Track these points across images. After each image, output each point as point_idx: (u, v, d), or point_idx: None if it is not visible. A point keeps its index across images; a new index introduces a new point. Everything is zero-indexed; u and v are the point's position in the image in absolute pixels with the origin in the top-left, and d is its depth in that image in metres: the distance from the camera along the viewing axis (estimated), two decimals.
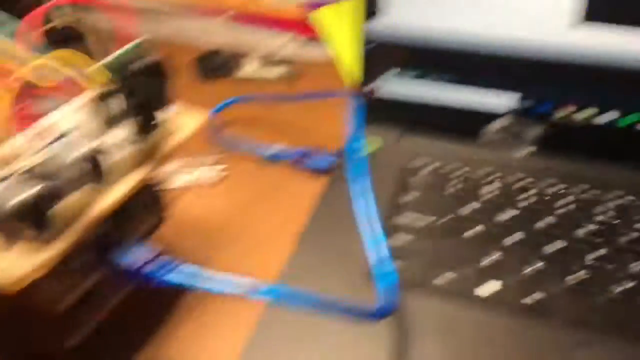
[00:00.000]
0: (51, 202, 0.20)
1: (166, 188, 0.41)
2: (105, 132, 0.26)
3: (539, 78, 0.41)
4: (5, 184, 0.19)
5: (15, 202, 0.18)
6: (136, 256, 0.24)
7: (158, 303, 0.33)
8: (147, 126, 0.26)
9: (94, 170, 0.22)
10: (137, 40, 0.26)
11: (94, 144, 0.22)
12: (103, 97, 0.25)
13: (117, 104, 0.25)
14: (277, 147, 0.45)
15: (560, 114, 0.42)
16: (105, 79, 0.25)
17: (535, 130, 0.42)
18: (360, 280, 0.33)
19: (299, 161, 0.43)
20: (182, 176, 0.42)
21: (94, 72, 0.25)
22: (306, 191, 0.41)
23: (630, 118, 0.40)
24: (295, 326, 0.30)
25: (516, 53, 0.40)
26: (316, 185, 0.42)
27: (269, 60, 0.58)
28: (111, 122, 0.26)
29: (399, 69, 0.44)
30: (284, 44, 0.62)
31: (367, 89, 0.45)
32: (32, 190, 0.19)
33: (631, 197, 0.38)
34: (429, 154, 0.43)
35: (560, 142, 0.42)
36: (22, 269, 0.20)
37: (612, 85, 0.40)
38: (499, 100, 0.42)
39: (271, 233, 0.38)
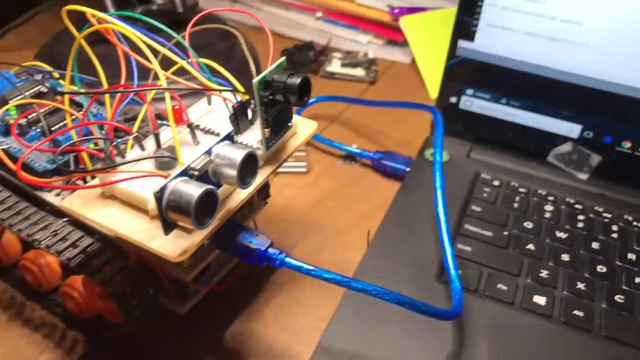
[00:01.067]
0: (216, 200, 0.25)
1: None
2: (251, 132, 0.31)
3: (606, 112, 0.44)
4: (184, 180, 0.25)
5: (196, 200, 0.24)
6: (255, 240, 0.30)
7: (256, 280, 0.39)
8: (276, 134, 0.31)
9: (251, 173, 0.27)
10: (279, 61, 0.31)
11: (248, 149, 0.27)
12: (247, 105, 0.31)
13: (262, 111, 0.31)
14: (356, 147, 0.50)
15: (619, 147, 0.45)
16: (254, 89, 0.30)
17: (595, 159, 0.46)
18: (427, 281, 0.38)
19: (377, 162, 0.48)
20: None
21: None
22: (381, 191, 0.47)
23: None
24: (372, 309, 0.35)
25: (588, 86, 0.44)
26: (391, 186, 0.47)
27: (354, 59, 0.63)
28: (248, 128, 0.31)
29: (478, 87, 0.48)
30: (366, 43, 0.66)
31: (444, 101, 0.49)
32: (203, 188, 0.24)
33: None
34: (497, 169, 0.47)
35: (616, 172, 0.45)
36: (185, 245, 0.26)
37: None
38: (567, 127, 0.46)
39: (348, 228, 0.43)
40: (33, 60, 0.53)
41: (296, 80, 0.29)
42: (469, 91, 0.48)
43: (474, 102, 0.49)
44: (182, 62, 0.29)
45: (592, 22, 0.42)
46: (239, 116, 0.31)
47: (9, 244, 0.36)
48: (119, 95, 0.30)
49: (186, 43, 0.30)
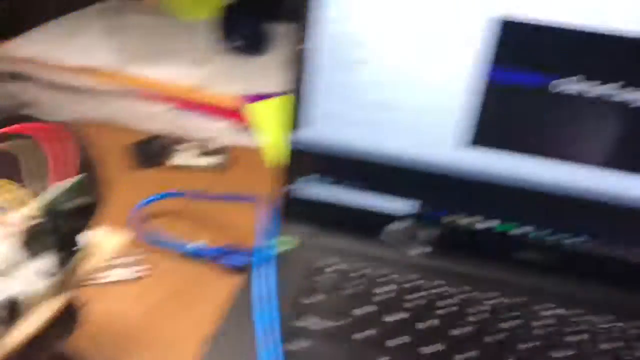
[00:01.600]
0: None
1: (85, 286, 0.44)
2: (26, 264, 0.29)
3: (433, 188, 0.46)
4: None
5: None
6: None
7: None
8: (68, 258, 0.29)
9: (10, 316, 0.25)
10: (73, 180, 0.29)
11: (14, 288, 0.25)
12: (30, 232, 0.29)
13: (42, 238, 0.28)
14: (197, 244, 0.48)
15: (449, 220, 0.47)
16: (37, 214, 0.28)
17: (429, 233, 0.47)
18: None
19: (218, 258, 0.47)
20: (101, 274, 0.45)
21: (25, 206, 0.28)
22: (222, 289, 0.45)
23: (506, 226, 0.46)
24: None
25: (414, 167, 0.46)
26: (232, 283, 0.45)
27: (204, 148, 0.62)
28: (34, 254, 0.29)
29: (315, 174, 0.48)
30: (220, 131, 0.66)
31: (283, 189, 0.49)
32: None
33: (504, 299, 0.43)
34: (337, 253, 0.47)
35: (450, 245, 0.47)
36: None
37: (491, 198, 0.45)
38: (399, 205, 0.47)
39: (182, 336, 0.41)
40: None
41: (81, 203, 0.28)
42: (307, 178, 0.49)
43: (312, 189, 0.49)
44: None
45: (410, 108, 0.44)
46: (29, 242, 0.29)
47: None
48: None
49: None
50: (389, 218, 0.48)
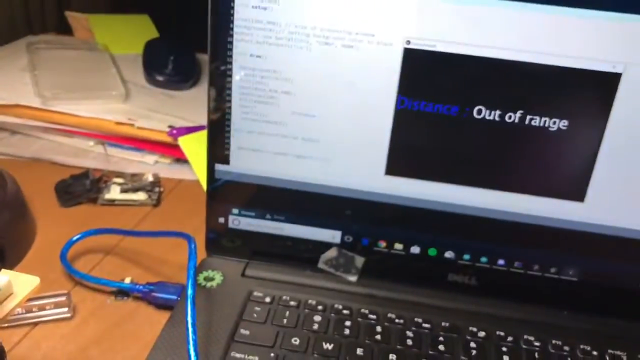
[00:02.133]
0: None
1: (11, 327, 0.42)
2: None
3: (355, 216, 0.47)
4: None
5: None
6: None
7: None
8: None
9: None
10: None
11: None
12: None
13: None
14: (127, 280, 0.48)
15: (376, 246, 0.48)
16: None
17: (359, 261, 0.48)
18: None
19: (147, 295, 0.46)
20: (30, 314, 0.44)
21: None
22: (153, 326, 0.44)
23: (431, 251, 0.48)
24: None
25: (336, 195, 0.47)
26: (162, 319, 0.45)
27: (136, 183, 0.62)
28: None
29: (242, 206, 0.49)
30: (152, 164, 0.66)
31: (213, 221, 0.50)
32: None
33: (429, 324, 0.44)
34: (271, 284, 0.47)
35: (379, 271, 0.48)
36: None
37: (411, 224, 0.47)
38: (328, 234, 0.48)
39: None
40: None
41: None
42: (235, 210, 0.49)
43: (241, 221, 0.49)
44: None
45: (327, 138, 0.45)
46: None
47: None
48: None
49: None
50: (318, 246, 0.49)
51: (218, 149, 0.47)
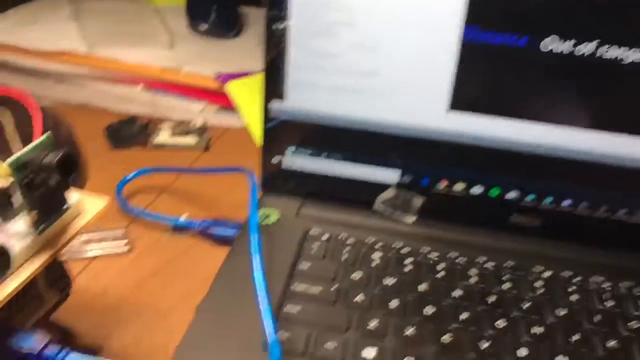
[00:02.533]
0: None
1: (72, 260, 0.43)
2: (5, 224, 0.28)
3: (416, 155, 0.46)
4: None
5: None
6: (31, 342, 0.26)
7: None
8: (48, 217, 0.28)
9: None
10: (40, 138, 0.28)
11: None
12: (3, 193, 0.27)
13: (18, 198, 0.28)
14: (184, 217, 0.47)
15: (437, 187, 0.47)
16: (8, 174, 0.27)
17: (417, 202, 0.47)
18: (254, 352, 0.35)
19: (205, 231, 0.46)
20: (89, 247, 0.44)
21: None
22: (210, 261, 0.44)
23: (493, 191, 0.46)
24: None
25: (396, 133, 0.45)
26: (220, 255, 0.45)
27: (184, 128, 0.61)
28: (12, 215, 0.28)
29: (298, 145, 0.48)
30: (199, 111, 0.66)
31: (267, 161, 0.49)
32: None
33: (493, 263, 0.43)
34: (327, 223, 0.47)
35: (439, 212, 0.47)
36: None
37: (474, 163, 0.45)
38: (386, 174, 0.47)
39: (173, 308, 0.40)
40: None
41: (53, 158, 0.27)
42: (290, 150, 0.48)
43: (296, 160, 0.48)
44: None
45: (389, 74, 0.44)
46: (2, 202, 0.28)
47: None
48: None
49: None
50: (374, 187, 0.48)
51: (274, 86, 0.46)
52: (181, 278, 0.43)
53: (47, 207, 0.28)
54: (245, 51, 0.73)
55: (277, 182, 0.49)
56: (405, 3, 0.42)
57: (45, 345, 0.26)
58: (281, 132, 0.48)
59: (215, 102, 0.66)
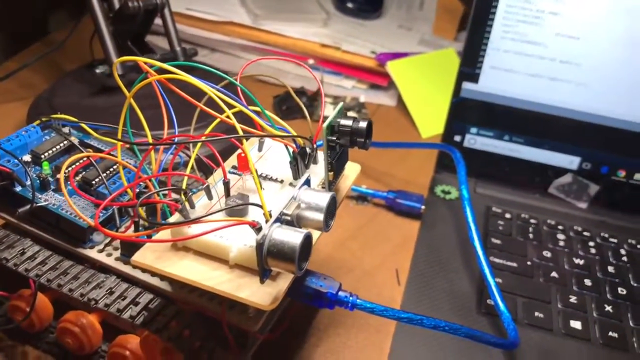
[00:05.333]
0: (310, 243, 0.25)
1: None
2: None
3: (602, 144, 0.48)
4: (278, 227, 0.24)
5: (299, 245, 0.24)
6: (323, 283, 0.30)
7: (299, 326, 0.38)
8: (337, 175, 0.32)
9: (331, 215, 0.28)
10: (339, 106, 0.32)
11: (330, 192, 0.27)
12: (305, 150, 0.31)
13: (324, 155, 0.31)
14: (365, 187, 0.51)
15: (616, 175, 0.49)
16: (323, 134, 0.31)
17: (593, 189, 0.49)
18: (468, 314, 0.39)
19: (391, 201, 0.49)
20: None
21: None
22: (399, 229, 0.47)
23: None
24: (426, 344, 0.36)
25: (582, 121, 0.47)
26: (407, 224, 0.48)
27: (345, 104, 0.64)
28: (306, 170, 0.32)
29: (481, 126, 0.50)
30: (355, 88, 0.68)
31: (449, 139, 0.51)
32: (304, 233, 0.24)
33: None
34: (505, 202, 0.49)
35: (614, 199, 0.49)
36: (273, 293, 0.26)
37: None
38: (566, 160, 0.49)
39: (375, 268, 0.43)
40: (30, 108, 0.51)
41: (363, 124, 0.30)
42: (473, 130, 0.51)
43: (477, 140, 0.51)
44: (249, 112, 0.29)
45: (590, 63, 0.45)
46: (299, 161, 0.31)
47: (42, 308, 0.34)
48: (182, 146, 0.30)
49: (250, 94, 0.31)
50: (553, 171, 0.50)
51: (469, 67, 0.48)
52: (376, 242, 0.46)
53: (338, 167, 0.32)
54: (390, 32, 0.75)
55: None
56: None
57: (339, 289, 0.30)
58: (467, 111, 0.50)
59: (367, 80, 0.69)
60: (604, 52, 0.45)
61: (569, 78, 0.46)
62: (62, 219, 0.32)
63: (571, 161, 0.49)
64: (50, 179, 0.33)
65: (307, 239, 0.25)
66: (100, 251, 0.33)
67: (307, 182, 0.29)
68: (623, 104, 0.46)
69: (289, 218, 0.26)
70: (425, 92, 0.64)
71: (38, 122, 0.37)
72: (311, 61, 0.67)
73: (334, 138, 0.30)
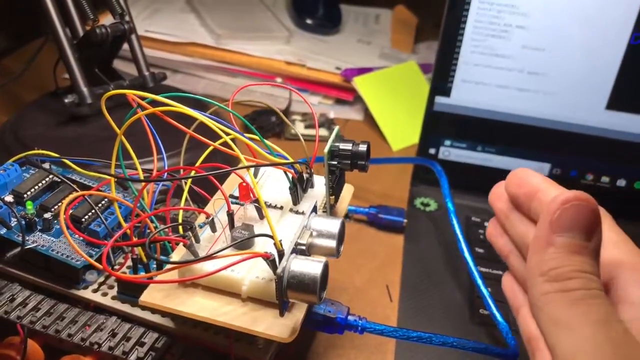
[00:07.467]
0: (327, 272, 0.25)
1: None
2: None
3: (570, 150, 0.50)
4: (295, 257, 0.24)
5: (320, 275, 0.24)
6: (331, 309, 0.30)
7: (297, 352, 0.38)
8: (337, 198, 0.32)
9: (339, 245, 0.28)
10: (335, 130, 0.32)
11: (338, 222, 0.27)
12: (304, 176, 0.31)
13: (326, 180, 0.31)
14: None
15: (584, 179, 0.51)
16: (325, 159, 0.31)
17: None
18: (463, 324, 0.39)
19: (373, 216, 0.49)
20: None
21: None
22: (383, 245, 0.48)
23: (638, 184, 0.50)
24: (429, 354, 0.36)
25: (553, 129, 0.49)
26: (390, 239, 0.48)
27: (310, 120, 0.64)
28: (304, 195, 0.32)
29: (454, 138, 0.52)
30: (321, 104, 0.69)
31: (423, 152, 0.52)
32: (322, 263, 0.24)
33: None
34: (482, 212, 0.50)
35: None
36: (290, 324, 0.25)
37: (625, 157, 0.49)
38: (537, 166, 0.51)
39: (366, 285, 0.44)
40: None
41: (363, 147, 0.30)
42: (447, 142, 0.52)
43: (452, 152, 0.52)
44: (245, 140, 0.29)
45: (556, 73, 0.47)
46: (298, 186, 0.31)
47: (33, 355, 0.32)
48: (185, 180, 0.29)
49: (247, 122, 0.30)
50: None
51: (441, 82, 0.49)
52: (362, 259, 0.46)
53: (337, 191, 0.32)
54: (351, 46, 0.76)
55: (431, 172, 0.53)
56: (581, 9, 0.45)
57: (348, 313, 0.30)
58: (441, 124, 0.51)
59: (332, 95, 0.69)
60: (567, 62, 0.47)
61: (536, 88, 0.48)
62: (53, 261, 0.31)
63: (541, 167, 0.51)
64: (36, 219, 0.32)
65: (326, 268, 0.25)
66: (95, 291, 0.31)
67: (315, 209, 0.29)
68: (587, 110, 0.48)
69: (303, 248, 0.26)
70: (392, 105, 0.65)
71: (15, 158, 0.36)
72: (279, 79, 0.67)
73: (335, 162, 0.30)
